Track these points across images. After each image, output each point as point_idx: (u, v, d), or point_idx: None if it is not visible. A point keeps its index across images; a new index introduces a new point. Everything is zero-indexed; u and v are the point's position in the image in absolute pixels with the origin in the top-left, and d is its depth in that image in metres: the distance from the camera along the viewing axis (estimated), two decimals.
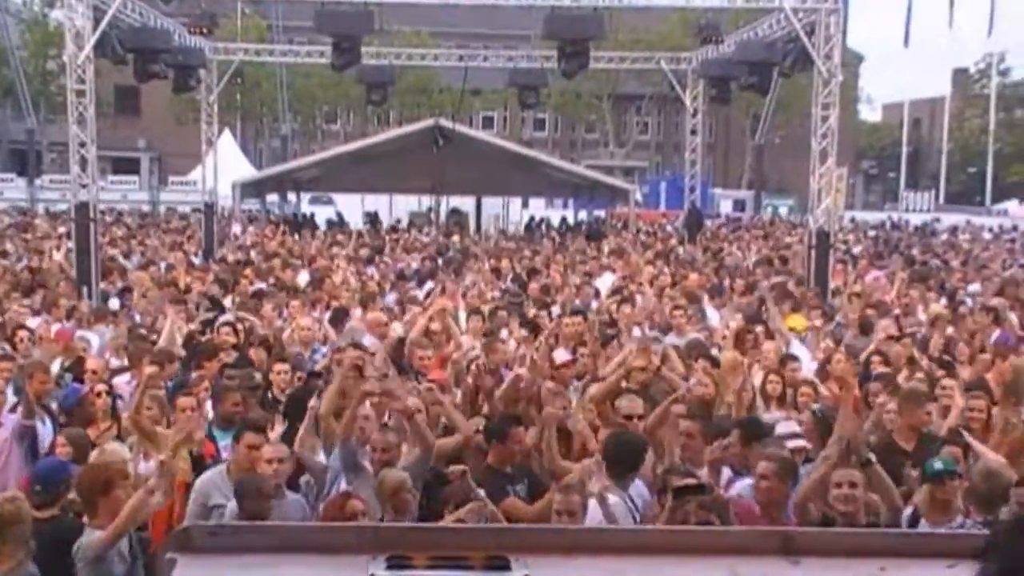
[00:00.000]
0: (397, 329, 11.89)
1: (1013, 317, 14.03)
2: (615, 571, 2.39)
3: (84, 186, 18.97)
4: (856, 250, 29.10)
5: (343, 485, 6.77)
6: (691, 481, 5.83)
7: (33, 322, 11.92)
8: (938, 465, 6.39)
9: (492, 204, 43.86)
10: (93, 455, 7.18)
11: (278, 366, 9.55)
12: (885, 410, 8.13)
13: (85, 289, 16.75)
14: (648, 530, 4.14)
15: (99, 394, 8.43)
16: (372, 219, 38.58)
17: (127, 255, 22.29)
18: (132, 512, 5.62)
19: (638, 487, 6.59)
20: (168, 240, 26.09)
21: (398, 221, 38.16)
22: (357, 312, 13.17)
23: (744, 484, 6.70)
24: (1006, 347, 11.36)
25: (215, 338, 10.73)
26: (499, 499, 6.47)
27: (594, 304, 14.61)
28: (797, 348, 11.30)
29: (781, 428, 7.62)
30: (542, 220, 40.91)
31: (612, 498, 6.16)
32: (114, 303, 14.56)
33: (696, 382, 8.85)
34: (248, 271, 17.67)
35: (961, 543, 2.63)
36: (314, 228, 32.95)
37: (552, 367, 9.15)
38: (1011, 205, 59.34)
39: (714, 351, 10.77)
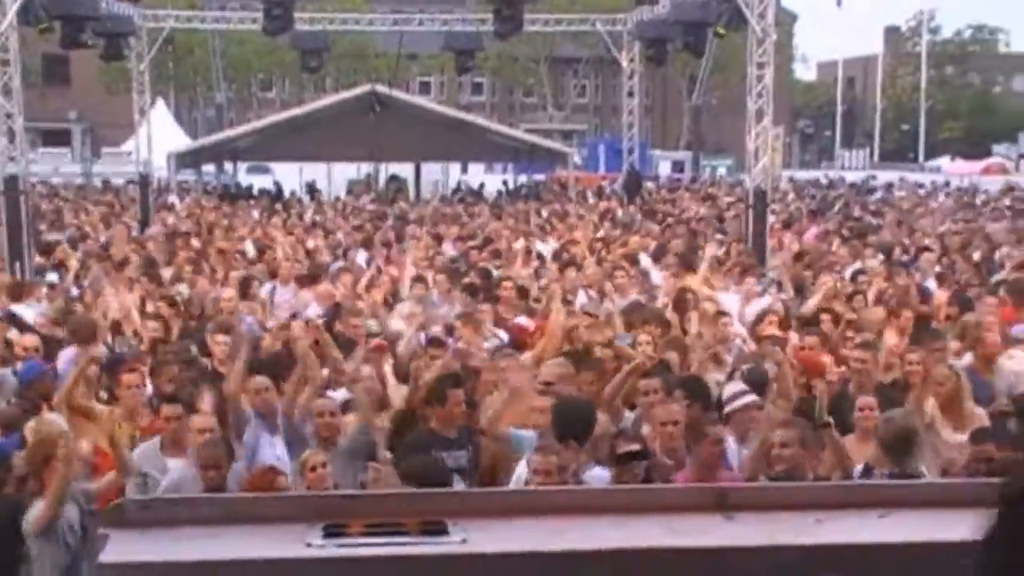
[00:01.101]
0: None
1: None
2: (553, 531, 2.40)
3: (12, 158, 18.56)
4: (793, 208, 29.39)
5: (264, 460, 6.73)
6: (634, 447, 5.86)
7: None
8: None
9: (431, 170, 43.63)
10: (28, 428, 7.06)
11: (218, 337, 9.44)
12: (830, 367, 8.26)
13: (18, 264, 16.42)
14: (585, 490, 4.17)
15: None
16: (311, 188, 38.17)
17: (58, 229, 21.82)
18: (60, 482, 5.64)
19: (597, 472, 6.53)
20: (101, 212, 25.59)
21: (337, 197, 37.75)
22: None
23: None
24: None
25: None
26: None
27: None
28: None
29: (729, 389, 7.66)
30: (481, 185, 40.82)
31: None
32: (52, 277, 14.29)
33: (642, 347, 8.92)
34: (184, 241, 17.46)
35: (892, 493, 2.67)
36: (250, 198, 32.55)
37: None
38: (943, 162, 60.23)
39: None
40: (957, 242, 17.58)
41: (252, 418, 7.14)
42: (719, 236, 19.46)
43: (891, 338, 8.86)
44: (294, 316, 10.78)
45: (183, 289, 12.78)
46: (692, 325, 9.88)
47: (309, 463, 6.30)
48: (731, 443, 6.79)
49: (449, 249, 17.43)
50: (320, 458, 6.34)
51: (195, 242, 17.86)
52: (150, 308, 11.20)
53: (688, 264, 13.62)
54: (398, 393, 7.85)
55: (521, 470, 6.18)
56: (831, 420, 6.57)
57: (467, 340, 9.54)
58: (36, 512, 5.66)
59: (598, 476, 6.25)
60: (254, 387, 7.26)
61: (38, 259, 16.90)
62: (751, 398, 7.28)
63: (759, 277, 13.78)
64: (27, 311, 11.46)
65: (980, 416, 7.55)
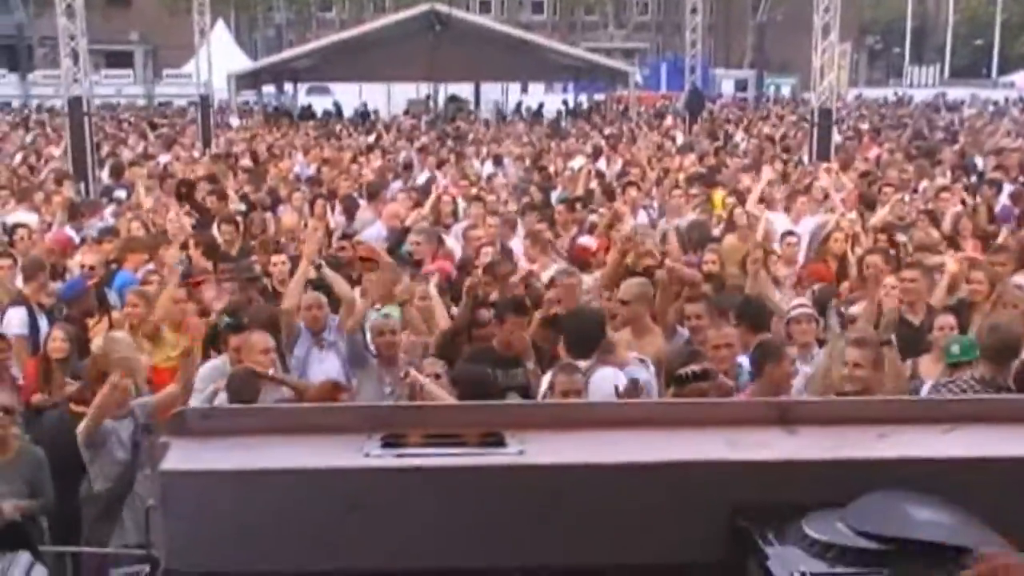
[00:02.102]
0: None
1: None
2: (610, 443, 2.38)
3: (76, 80, 18.71)
4: (863, 127, 28.83)
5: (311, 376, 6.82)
6: (694, 368, 5.73)
7: (31, 218, 11.86)
8: (955, 349, 6.33)
9: (491, 90, 43.36)
10: (95, 344, 7.19)
11: (275, 258, 9.50)
12: (890, 285, 8.09)
13: (82, 185, 16.64)
14: (643, 403, 4.15)
15: (96, 286, 8.45)
16: (363, 113, 37.95)
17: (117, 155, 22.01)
18: (102, 400, 5.74)
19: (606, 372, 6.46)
20: (163, 135, 25.80)
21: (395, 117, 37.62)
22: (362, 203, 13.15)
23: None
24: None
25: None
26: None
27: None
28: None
29: (794, 303, 7.56)
30: (541, 105, 40.48)
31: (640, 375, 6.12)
32: (120, 194, 14.46)
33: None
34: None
35: (957, 408, 2.62)
36: (312, 119, 32.64)
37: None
38: (1018, 77, 58.49)
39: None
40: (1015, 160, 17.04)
41: (302, 332, 7.26)
42: (783, 156, 19.12)
43: (951, 264, 8.63)
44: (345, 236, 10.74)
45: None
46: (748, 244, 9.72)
47: (379, 327, 6.62)
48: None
49: (509, 168, 17.36)
50: (393, 325, 6.65)
51: (246, 162, 17.94)
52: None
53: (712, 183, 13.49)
54: (444, 313, 7.85)
55: (543, 386, 6.22)
56: (892, 339, 6.46)
57: (534, 259, 9.47)
58: (82, 425, 5.84)
59: (607, 376, 6.19)
60: (304, 303, 7.43)
61: (106, 179, 17.10)
62: (808, 310, 7.19)
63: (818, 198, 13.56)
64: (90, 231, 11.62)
65: None
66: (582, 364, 6.15)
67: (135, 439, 5.97)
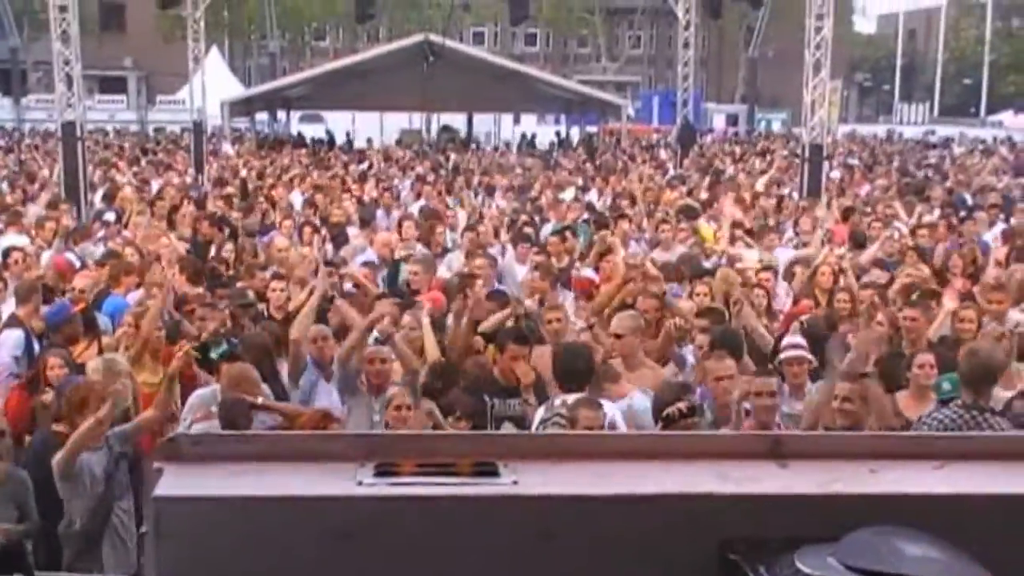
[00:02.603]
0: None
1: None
2: (602, 475, 2.39)
3: (70, 105, 18.76)
4: (853, 162, 29.02)
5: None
6: (681, 406, 5.78)
7: (24, 241, 11.85)
8: (946, 387, 6.39)
9: (483, 121, 43.54)
10: (90, 366, 7.17)
11: (275, 284, 9.49)
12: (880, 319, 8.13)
13: (74, 209, 16.62)
14: (636, 435, 4.16)
15: (83, 311, 8.42)
16: (348, 142, 37.82)
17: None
18: (79, 436, 5.71)
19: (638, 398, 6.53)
20: (155, 161, 25.83)
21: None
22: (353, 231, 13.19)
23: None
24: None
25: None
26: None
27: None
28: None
29: (787, 340, 7.58)
30: (533, 136, 40.64)
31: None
32: (109, 216, 14.46)
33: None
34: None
35: (949, 444, 2.63)
36: (304, 146, 32.71)
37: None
38: (1006, 116, 58.97)
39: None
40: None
41: (309, 364, 7.21)
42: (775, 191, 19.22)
43: (949, 304, 8.69)
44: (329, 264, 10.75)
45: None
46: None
47: (395, 402, 6.38)
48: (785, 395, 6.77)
49: (500, 200, 17.41)
50: (407, 400, 6.41)
51: (230, 189, 17.97)
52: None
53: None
54: (434, 343, 7.81)
55: (540, 413, 6.23)
56: (871, 371, 6.51)
57: (539, 291, 9.46)
58: (56, 458, 5.78)
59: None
60: (312, 335, 7.37)
61: (98, 204, 17.11)
62: (802, 352, 7.21)
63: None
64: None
65: None
66: (571, 398, 6.18)
67: (107, 471, 5.94)
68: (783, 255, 11.63)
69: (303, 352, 7.30)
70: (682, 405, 5.74)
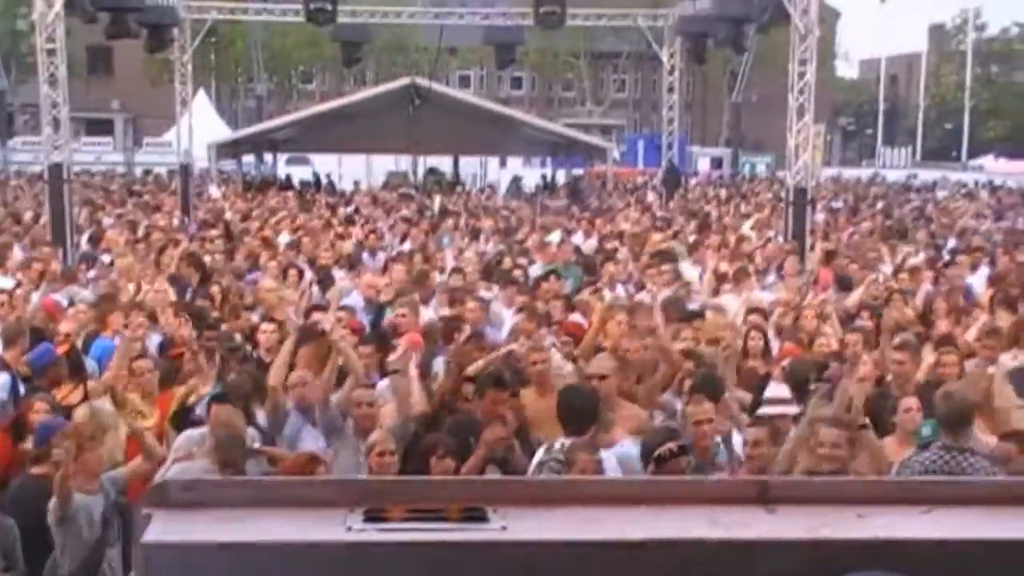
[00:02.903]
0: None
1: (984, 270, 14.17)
2: (592, 520, 2.40)
3: (57, 147, 18.75)
4: (836, 206, 29.23)
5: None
6: (672, 446, 5.79)
7: (8, 283, 11.81)
8: (926, 431, 6.44)
9: (469, 163, 43.72)
10: (79, 413, 7.13)
11: (264, 325, 9.46)
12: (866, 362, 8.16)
13: (60, 251, 16.59)
14: (626, 480, 4.17)
15: (68, 354, 8.39)
16: (330, 183, 37.93)
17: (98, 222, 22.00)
18: (59, 479, 5.63)
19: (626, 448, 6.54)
20: (141, 203, 25.84)
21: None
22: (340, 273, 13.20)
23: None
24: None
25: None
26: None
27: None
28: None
29: (771, 391, 7.58)
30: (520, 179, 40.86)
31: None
32: (105, 259, 14.44)
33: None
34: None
35: (935, 490, 2.65)
36: (290, 189, 32.80)
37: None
38: (986, 161, 59.55)
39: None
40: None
41: (292, 412, 7.17)
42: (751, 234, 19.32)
43: (931, 357, 8.72)
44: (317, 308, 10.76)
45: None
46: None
47: (377, 448, 6.32)
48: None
49: (484, 244, 17.43)
50: (389, 445, 6.36)
51: (213, 232, 17.97)
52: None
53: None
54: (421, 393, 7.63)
55: (539, 455, 6.25)
56: (867, 421, 6.53)
57: (528, 334, 9.47)
58: (52, 502, 5.70)
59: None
60: (292, 382, 7.27)
61: (84, 246, 17.08)
62: (787, 409, 7.19)
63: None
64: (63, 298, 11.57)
65: (1018, 418, 7.44)
66: (568, 442, 6.18)
67: (105, 516, 5.88)
68: (765, 299, 11.65)
69: (281, 400, 7.20)
70: (673, 445, 5.76)
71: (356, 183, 36.92)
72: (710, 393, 7.00)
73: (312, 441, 6.94)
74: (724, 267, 13.34)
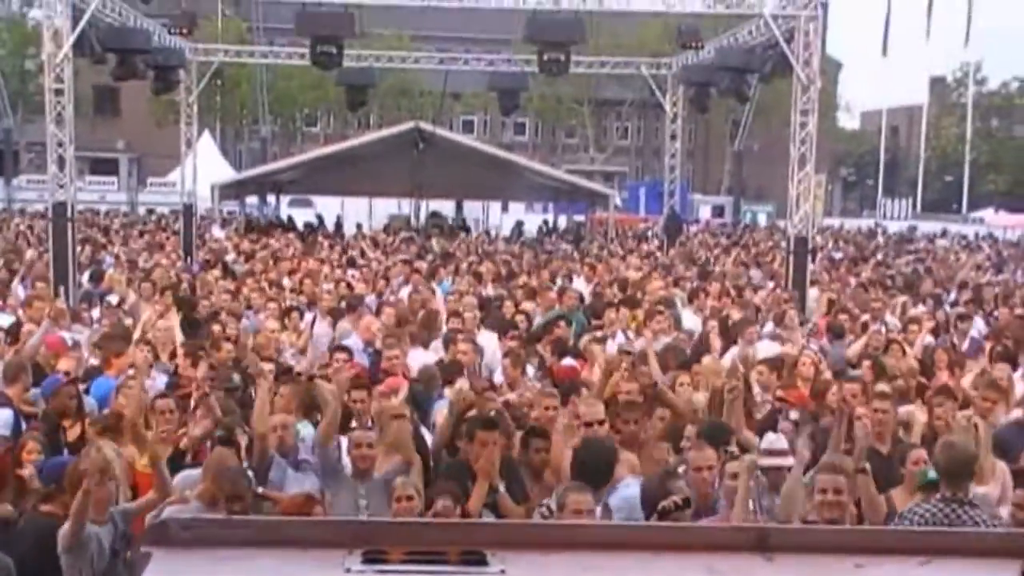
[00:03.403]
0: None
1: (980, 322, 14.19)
2: (592, 567, 2.40)
3: (62, 186, 18.85)
4: (836, 256, 29.29)
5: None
6: (676, 499, 5.78)
7: (3, 320, 11.85)
8: (932, 475, 6.42)
9: (471, 208, 43.87)
10: (83, 453, 7.11)
11: (265, 366, 9.46)
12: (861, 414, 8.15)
13: (62, 289, 16.61)
14: (625, 526, 4.16)
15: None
16: (336, 224, 38.29)
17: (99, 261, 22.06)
18: (77, 506, 5.67)
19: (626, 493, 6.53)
20: (144, 242, 25.94)
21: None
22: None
23: None
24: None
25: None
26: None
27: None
28: None
29: (767, 442, 7.55)
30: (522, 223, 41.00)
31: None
32: (112, 299, 14.48)
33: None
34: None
35: (933, 540, 2.65)
36: (292, 231, 32.87)
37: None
38: (987, 213, 59.77)
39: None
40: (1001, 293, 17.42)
41: (275, 459, 7.14)
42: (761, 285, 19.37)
43: (921, 416, 8.72)
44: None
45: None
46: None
47: (398, 493, 6.32)
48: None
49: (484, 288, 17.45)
50: (410, 491, 6.35)
51: (216, 272, 18.04)
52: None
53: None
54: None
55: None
56: (867, 467, 6.52)
57: (513, 379, 9.52)
58: (63, 530, 5.74)
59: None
60: (272, 425, 7.24)
61: (86, 285, 17.11)
62: (781, 461, 7.15)
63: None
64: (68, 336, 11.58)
65: (1002, 470, 7.43)
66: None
67: (114, 547, 5.89)
68: (767, 349, 11.64)
69: (267, 447, 7.14)
70: (677, 498, 5.75)
71: (358, 226, 37.03)
72: (714, 441, 7.00)
73: (297, 485, 6.91)
74: (736, 315, 13.36)
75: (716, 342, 11.63)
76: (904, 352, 11.17)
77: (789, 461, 7.03)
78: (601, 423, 7.41)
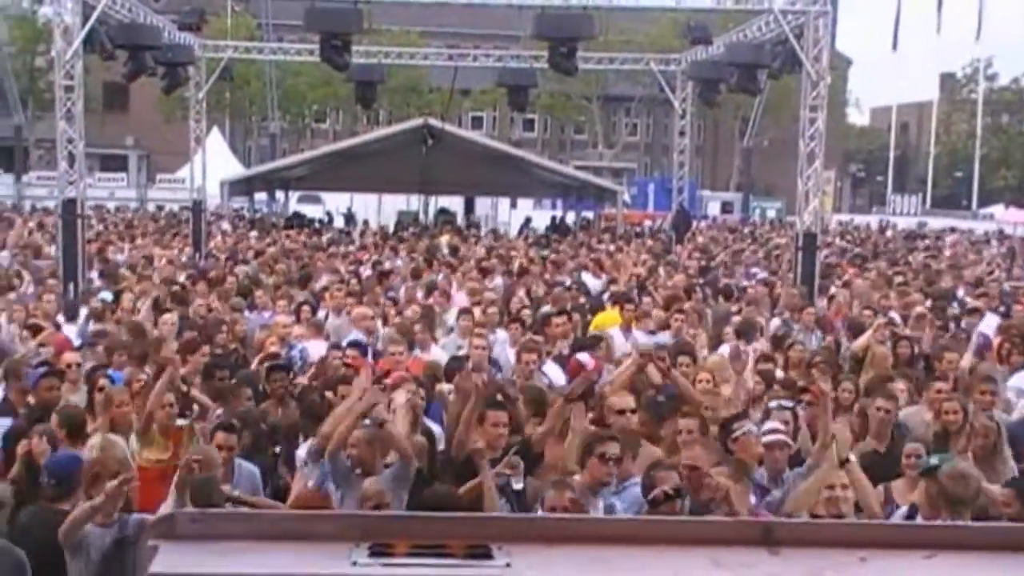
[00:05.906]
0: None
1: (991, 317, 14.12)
2: (597, 560, 2.40)
3: (72, 182, 18.90)
4: (854, 250, 29.26)
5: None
6: (666, 488, 5.77)
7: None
8: (935, 461, 6.42)
9: (480, 204, 43.89)
10: (91, 443, 7.13)
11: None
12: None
13: (71, 286, 16.68)
14: (630, 520, 4.16)
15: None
16: (347, 217, 38.50)
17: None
18: (95, 507, 5.71)
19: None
20: (155, 239, 26.00)
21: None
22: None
23: None
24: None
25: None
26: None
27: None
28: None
29: (766, 427, 7.58)
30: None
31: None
32: (106, 295, 14.49)
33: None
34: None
35: (939, 534, 2.65)
36: (304, 227, 32.93)
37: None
38: (997, 210, 59.60)
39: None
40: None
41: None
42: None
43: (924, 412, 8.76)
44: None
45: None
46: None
47: (372, 502, 6.16)
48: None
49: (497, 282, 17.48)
50: (385, 499, 6.24)
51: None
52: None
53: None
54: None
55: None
56: (851, 457, 6.54)
57: (526, 369, 9.52)
58: (65, 522, 5.79)
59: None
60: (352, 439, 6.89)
61: (96, 281, 17.15)
62: (783, 437, 7.17)
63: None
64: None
65: (1012, 468, 7.43)
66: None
67: (110, 553, 5.88)
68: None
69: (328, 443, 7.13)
70: (667, 487, 5.74)
71: (366, 222, 37.09)
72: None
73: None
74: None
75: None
76: (912, 348, 11.15)
77: (782, 436, 7.08)
78: (634, 412, 7.42)
